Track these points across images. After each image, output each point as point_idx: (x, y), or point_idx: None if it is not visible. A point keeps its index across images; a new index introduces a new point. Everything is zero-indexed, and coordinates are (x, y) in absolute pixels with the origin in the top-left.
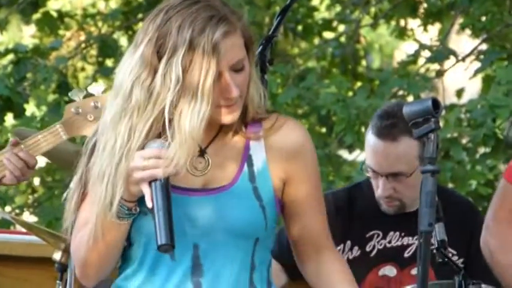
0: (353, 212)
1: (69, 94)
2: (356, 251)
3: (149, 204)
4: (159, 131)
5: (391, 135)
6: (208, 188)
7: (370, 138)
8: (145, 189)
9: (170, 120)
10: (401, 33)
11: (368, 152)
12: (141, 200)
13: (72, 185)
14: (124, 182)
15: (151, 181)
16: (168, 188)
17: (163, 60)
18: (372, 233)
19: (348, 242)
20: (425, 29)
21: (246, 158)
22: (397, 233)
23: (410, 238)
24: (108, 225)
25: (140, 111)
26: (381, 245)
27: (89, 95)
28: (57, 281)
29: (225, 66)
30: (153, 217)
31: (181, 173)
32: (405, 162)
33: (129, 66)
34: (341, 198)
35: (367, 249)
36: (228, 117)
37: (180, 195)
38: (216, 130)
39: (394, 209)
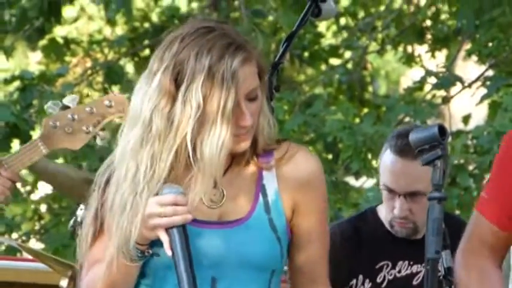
0: (360, 244)
1: (45, 107)
2: (367, 284)
3: (169, 252)
4: (185, 160)
5: (411, 154)
6: (224, 221)
7: (388, 157)
8: (163, 237)
9: (195, 149)
10: (409, 60)
11: (385, 171)
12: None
13: (85, 219)
14: (139, 226)
15: (168, 228)
16: (186, 234)
17: (182, 88)
18: (381, 264)
19: (360, 276)
20: (432, 55)
21: (260, 188)
22: (406, 262)
23: (418, 266)
24: (120, 263)
25: (161, 139)
26: (391, 275)
27: (65, 107)
28: None
29: (242, 94)
30: (174, 265)
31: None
32: (424, 182)
33: (146, 94)
34: (347, 230)
35: (378, 280)
36: (240, 145)
37: (197, 228)
38: (228, 161)
39: (406, 231)
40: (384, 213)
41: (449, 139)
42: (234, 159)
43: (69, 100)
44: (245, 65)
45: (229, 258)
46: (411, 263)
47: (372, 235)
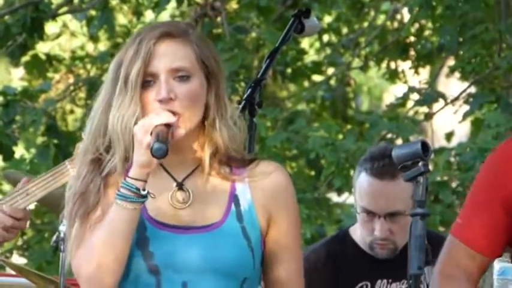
0: (337, 268)
1: (82, 133)
2: None
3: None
4: None
5: (389, 174)
6: (196, 226)
7: (365, 180)
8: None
9: None
10: (392, 76)
11: (363, 195)
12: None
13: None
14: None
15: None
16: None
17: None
18: (360, 284)
19: None
20: (416, 72)
21: (233, 197)
22: (385, 280)
23: (397, 283)
24: (119, 209)
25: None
26: None
27: None
28: None
29: (162, 69)
30: None
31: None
32: (403, 201)
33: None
34: (322, 255)
35: None
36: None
37: (169, 232)
38: (192, 166)
39: (387, 252)
40: (357, 234)
41: (432, 156)
42: (200, 166)
43: None
44: (166, 41)
45: (201, 263)
46: (390, 280)
47: (348, 257)
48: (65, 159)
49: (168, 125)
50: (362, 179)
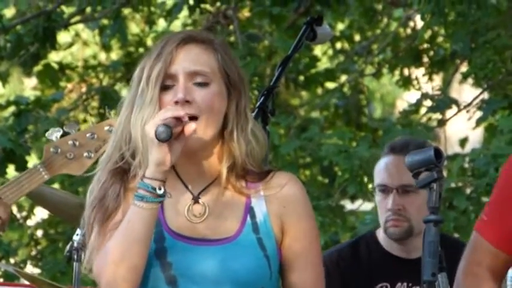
0: (359, 267)
1: (46, 134)
2: None
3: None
4: None
5: (403, 151)
6: (213, 239)
7: (382, 159)
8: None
9: None
10: (406, 83)
11: (378, 172)
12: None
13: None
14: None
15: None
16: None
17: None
18: (379, 285)
19: None
20: (429, 78)
21: (248, 210)
22: (405, 284)
23: (417, 287)
24: (136, 209)
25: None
26: None
27: (65, 134)
28: None
29: (181, 71)
30: None
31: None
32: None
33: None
34: (345, 253)
35: None
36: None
37: (187, 244)
38: (209, 179)
39: (400, 230)
40: (382, 235)
41: (446, 162)
42: (217, 180)
43: (69, 127)
44: (187, 45)
45: (218, 274)
46: (410, 284)
47: (370, 257)
48: None
49: (178, 119)
50: (380, 160)
